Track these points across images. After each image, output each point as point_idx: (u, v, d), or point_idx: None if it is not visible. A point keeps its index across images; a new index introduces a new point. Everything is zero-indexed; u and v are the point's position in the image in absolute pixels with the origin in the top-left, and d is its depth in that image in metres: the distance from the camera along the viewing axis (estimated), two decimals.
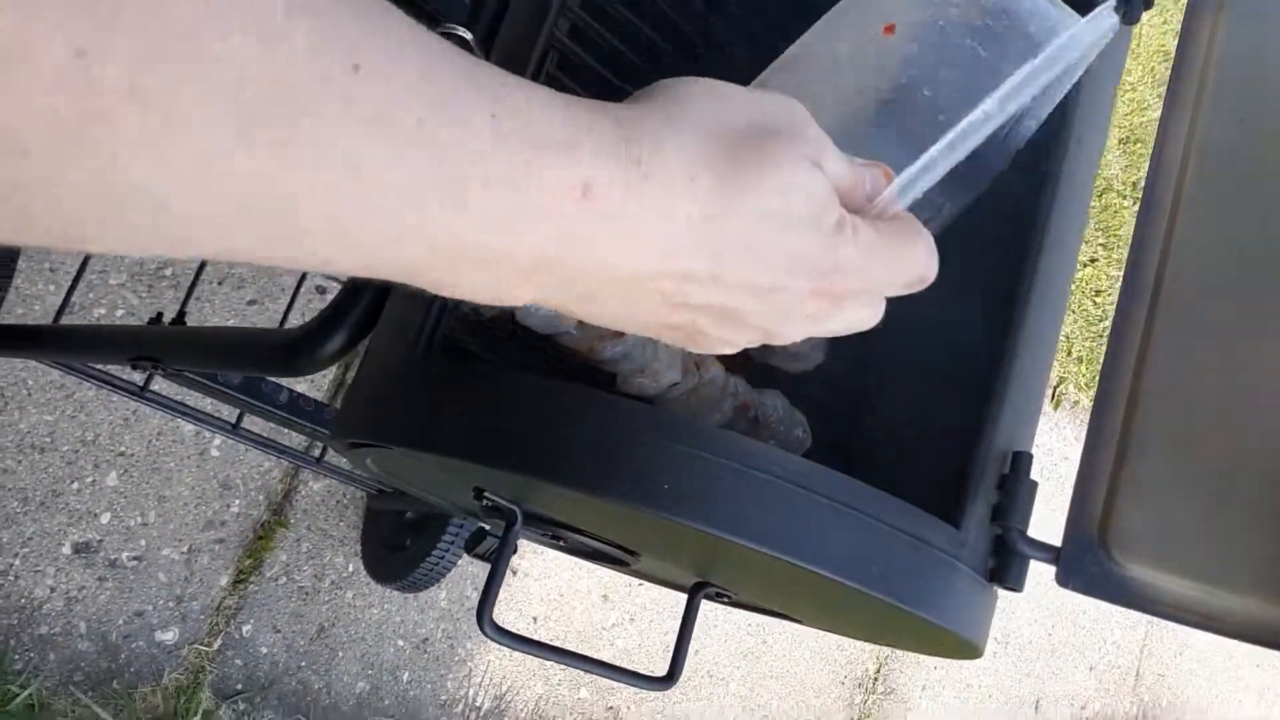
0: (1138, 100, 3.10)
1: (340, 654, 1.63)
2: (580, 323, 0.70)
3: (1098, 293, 2.97)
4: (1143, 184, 2.89)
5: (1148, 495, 0.65)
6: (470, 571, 1.76)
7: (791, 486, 0.57)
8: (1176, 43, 0.72)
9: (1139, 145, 3.07)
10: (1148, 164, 0.70)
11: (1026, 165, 0.71)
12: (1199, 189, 0.68)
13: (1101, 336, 2.97)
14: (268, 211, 0.29)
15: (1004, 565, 0.64)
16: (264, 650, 1.56)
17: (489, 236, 0.33)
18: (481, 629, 0.70)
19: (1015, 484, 0.65)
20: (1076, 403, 2.88)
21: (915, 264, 0.44)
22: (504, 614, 1.81)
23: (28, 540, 1.37)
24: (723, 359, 0.80)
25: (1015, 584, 0.65)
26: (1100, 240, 2.99)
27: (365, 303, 0.75)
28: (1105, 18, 0.49)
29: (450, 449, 0.60)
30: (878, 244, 0.42)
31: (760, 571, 0.69)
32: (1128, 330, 0.68)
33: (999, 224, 0.71)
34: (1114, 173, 3.05)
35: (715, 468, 0.56)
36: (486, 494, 0.69)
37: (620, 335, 0.72)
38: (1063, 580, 0.64)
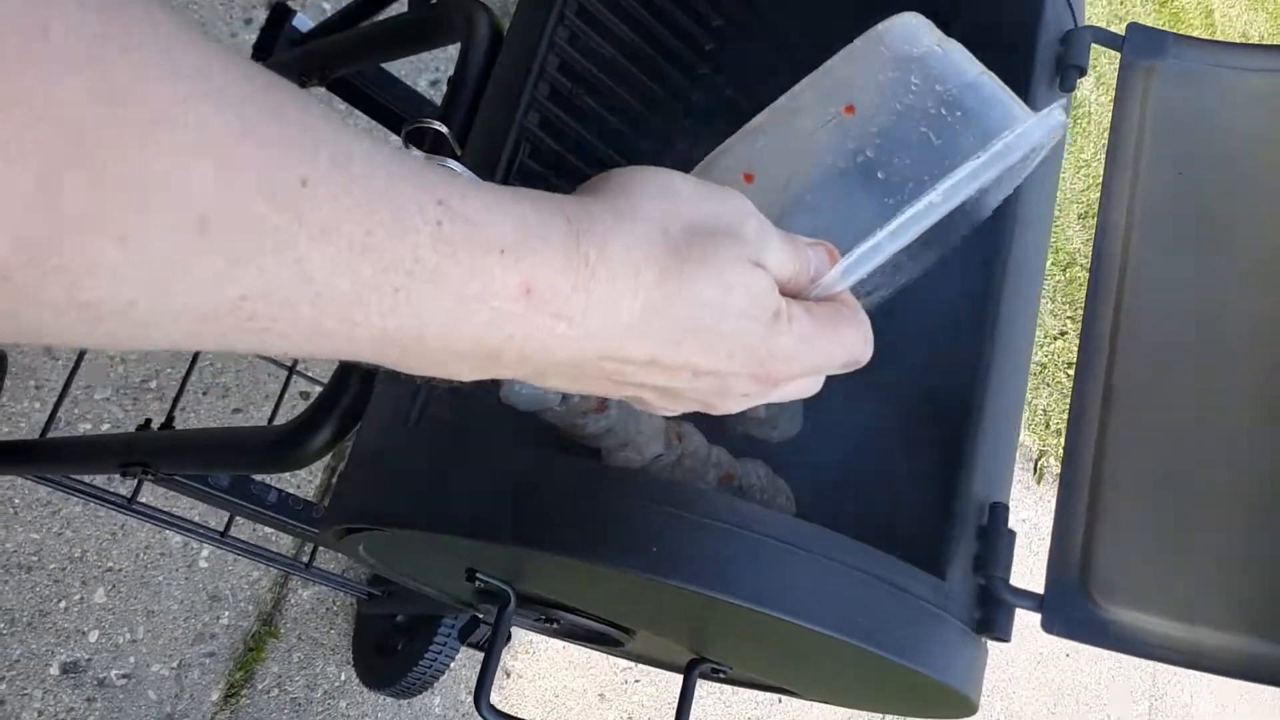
0: (1093, 176, 3.20)
1: None
2: (564, 398, 0.72)
3: (1070, 365, 3.02)
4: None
5: (1124, 538, 0.66)
6: (464, 676, 1.74)
7: (777, 543, 0.58)
8: (1112, 105, 0.76)
9: (1089, 216, 3.16)
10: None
11: (981, 234, 0.74)
12: (1145, 238, 0.72)
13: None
14: (228, 313, 0.31)
15: (990, 615, 0.65)
16: None
17: (433, 330, 0.36)
18: (479, 712, 0.70)
19: (994, 534, 0.66)
20: (1059, 475, 2.89)
21: (850, 350, 0.46)
22: None
23: (14, 663, 1.35)
24: (703, 429, 0.82)
25: (1002, 633, 0.66)
26: (1069, 314, 3.05)
27: (351, 394, 0.77)
28: (1055, 115, 0.52)
29: (441, 526, 0.61)
30: (813, 332, 0.44)
31: (751, 636, 0.70)
32: (1091, 379, 0.70)
33: (957, 291, 0.74)
34: (1076, 246, 3.12)
35: (701, 528, 0.57)
36: (479, 575, 0.70)
37: (604, 409, 0.74)
38: (1048, 626, 0.65)
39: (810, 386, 0.48)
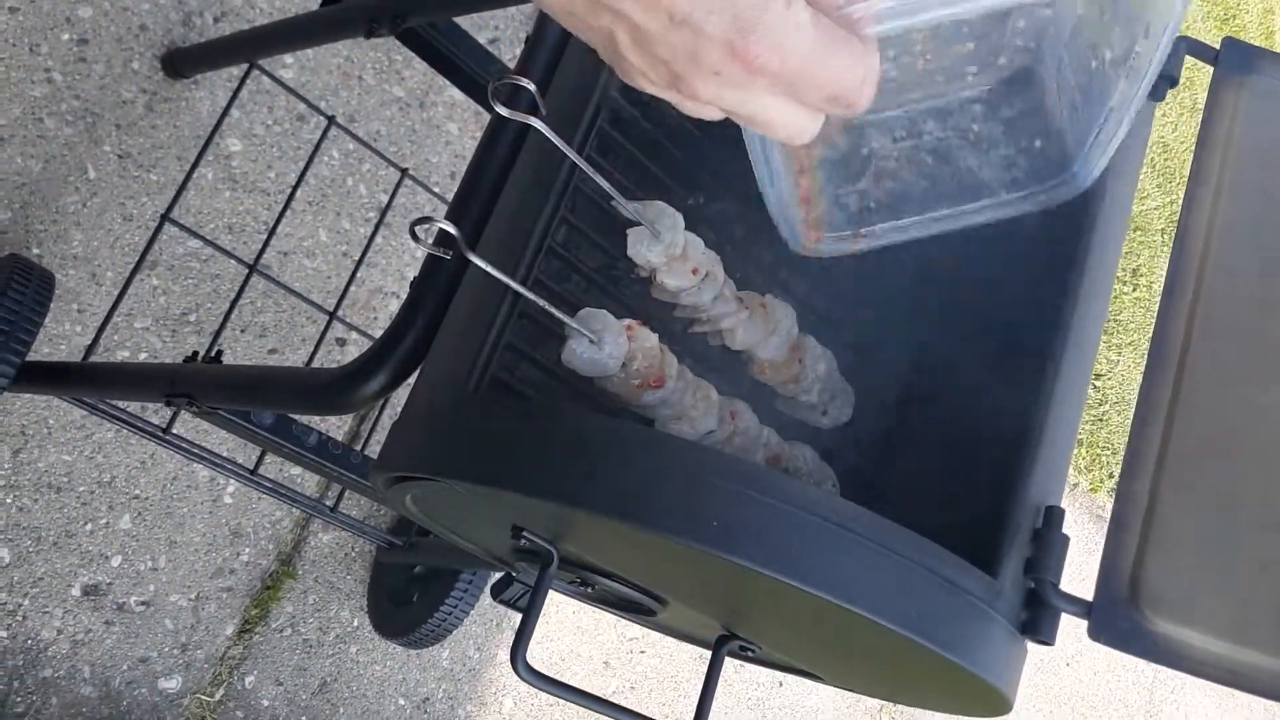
0: (1137, 189, 3.17)
1: (341, 710, 1.61)
2: (623, 367, 0.72)
3: (1097, 376, 3.00)
4: (1142, 268, 2.92)
5: (1177, 553, 0.66)
6: (474, 632, 1.75)
7: (835, 527, 0.58)
8: (1201, 120, 0.76)
9: (1139, 233, 3.13)
10: (1165, 248, 0.73)
11: (1061, 224, 0.74)
12: (1223, 259, 0.71)
13: (1100, 420, 3.00)
14: None
15: (1036, 617, 0.65)
16: (265, 703, 1.54)
17: None
18: (515, 670, 0.70)
19: (1048, 537, 0.66)
20: (1075, 485, 2.89)
21: (843, 74, 0.42)
22: (504, 676, 1.80)
23: (38, 580, 1.36)
24: (754, 409, 0.82)
25: (1047, 636, 0.66)
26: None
27: (409, 344, 0.77)
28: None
29: (499, 481, 0.61)
30: (811, 31, 0.40)
31: (792, 617, 0.70)
32: (1157, 396, 0.70)
33: (1031, 283, 0.73)
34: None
35: (762, 506, 0.57)
36: (525, 533, 0.71)
37: (661, 383, 0.74)
38: (1094, 634, 0.65)
39: (792, 120, 0.44)
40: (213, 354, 0.99)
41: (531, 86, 0.66)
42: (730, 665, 2.09)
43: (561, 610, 1.84)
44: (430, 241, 0.73)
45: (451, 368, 0.68)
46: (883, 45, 0.57)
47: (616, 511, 0.57)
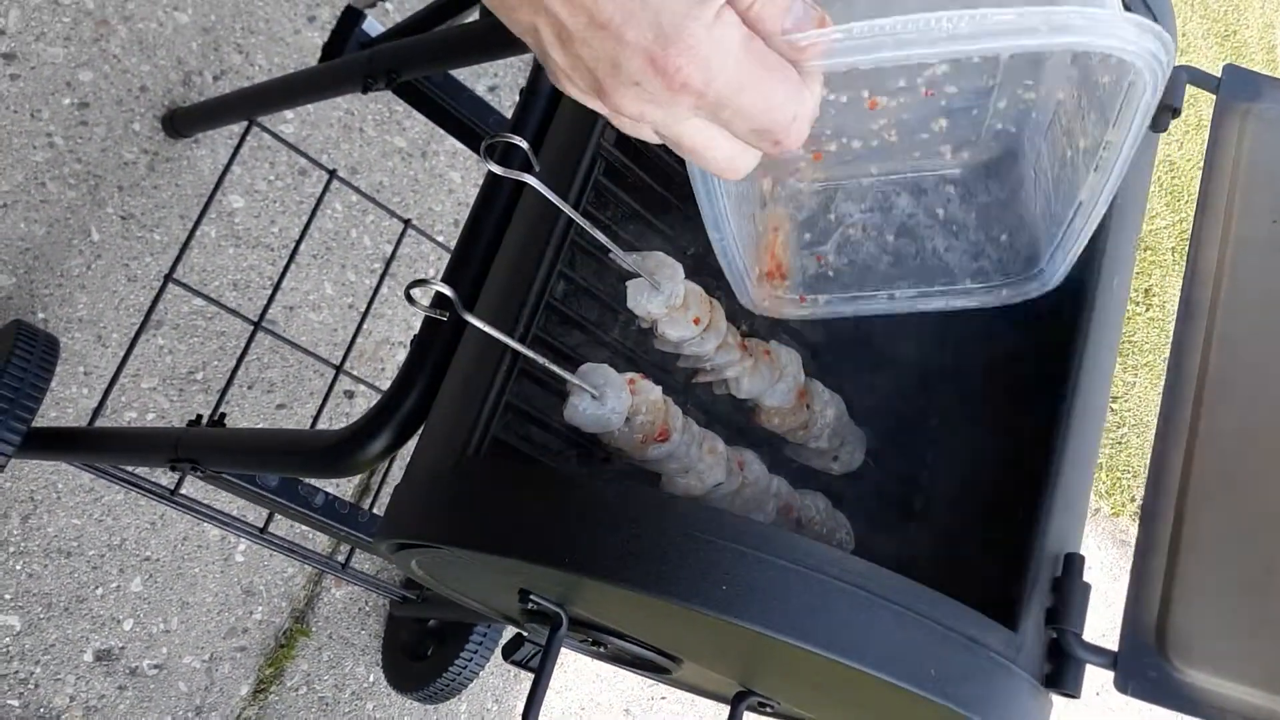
0: (1146, 209, 3.15)
1: None
2: (627, 421, 0.71)
3: (1114, 399, 2.97)
4: (1154, 288, 2.89)
5: (1204, 599, 0.64)
6: (491, 684, 1.73)
7: (849, 587, 0.56)
8: (1206, 148, 0.74)
9: (1149, 252, 3.11)
10: (1181, 269, 0.71)
11: (1064, 291, 0.72)
12: (1236, 288, 0.69)
13: (1119, 443, 2.96)
14: None
15: (1060, 669, 0.63)
16: None
17: None
18: None
19: (1069, 586, 0.64)
20: (1097, 510, 2.85)
21: (772, 107, 0.40)
22: None
23: (49, 647, 1.35)
24: (763, 459, 0.81)
25: (1073, 689, 0.63)
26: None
27: (411, 403, 0.76)
28: (1144, 35, 0.45)
29: (503, 549, 0.60)
30: (740, 54, 0.38)
31: (810, 676, 0.68)
32: (1173, 433, 0.68)
33: (1040, 322, 0.72)
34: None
35: (773, 568, 0.56)
36: (533, 596, 0.69)
37: (666, 436, 0.73)
38: (1121, 686, 0.63)
39: (722, 149, 0.41)
40: (216, 416, 0.98)
41: (524, 144, 0.65)
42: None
43: (580, 658, 1.82)
44: (427, 303, 0.73)
45: (451, 430, 0.67)
46: (854, 105, 0.56)
47: (622, 578, 0.56)
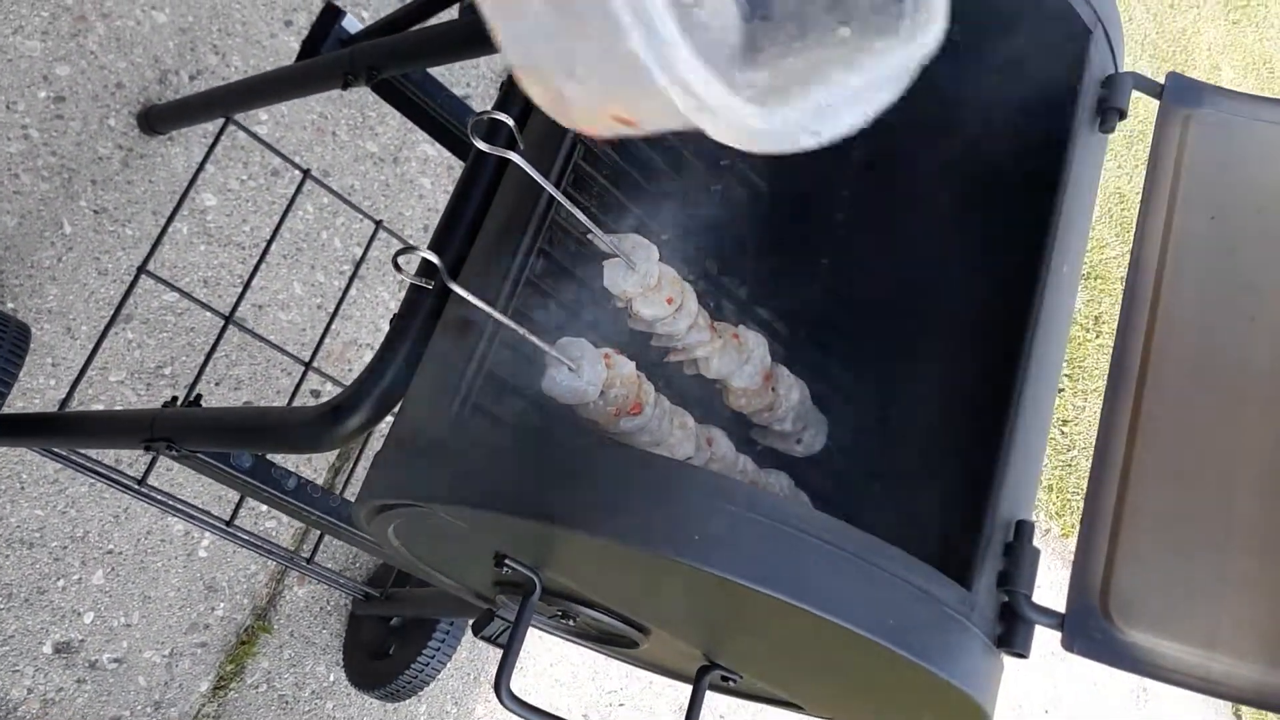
0: (1097, 238, 3.24)
1: None
2: (602, 394, 0.74)
3: (1064, 422, 3.04)
4: (1104, 315, 2.97)
5: (1146, 563, 0.68)
6: (451, 686, 1.74)
7: (814, 540, 0.59)
8: (1150, 149, 0.79)
9: (1099, 281, 3.20)
10: (1116, 286, 0.76)
11: (1019, 261, 0.76)
12: (1177, 279, 0.74)
13: (1069, 465, 3.03)
14: None
15: (1010, 630, 0.67)
16: None
17: None
18: (500, 699, 0.71)
19: (1020, 551, 0.68)
20: (1048, 530, 2.91)
21: None
22: None
23: (8, 638, 1.34)
24: (730, 441, 0.84)
25: (1022, 649, 0.67)
26: (1066, 372, 3.08)
27: (390, 378, 0.78)
28: None
29: (484, 503, 0.62)
30: None
31: (772, 639, 0.71)
32: (1119, 408, 0.72)
33: (995, 302, 0.76)
34: (1076, 306, 3.16)
35: (742, 520, 0.59)
36: (508, 560, 0.71)
37: (638, 409, 0.76)
38: (1068, 644, 0.66)
39: None
40: (192, 398, 0.99)
41: (510, 122, 0.68)
42: (709, 717, 2.07)
43: (539, 662, 1.83)
44: (413, 273, 0.75)
45: (433, 398, 0.70)
46: None
47: (598, 529, 0.59)
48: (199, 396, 1.00)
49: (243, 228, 1.58)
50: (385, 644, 1.57)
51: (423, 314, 0.77)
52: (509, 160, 0.68)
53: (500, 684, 0.71)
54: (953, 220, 0.86)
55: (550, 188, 0.69)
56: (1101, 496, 0.70)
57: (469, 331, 0.70)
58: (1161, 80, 0.82)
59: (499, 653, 0.99)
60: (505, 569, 0.72)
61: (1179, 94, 0.80)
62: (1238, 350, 0.71)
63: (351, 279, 1.50)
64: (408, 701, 1.67)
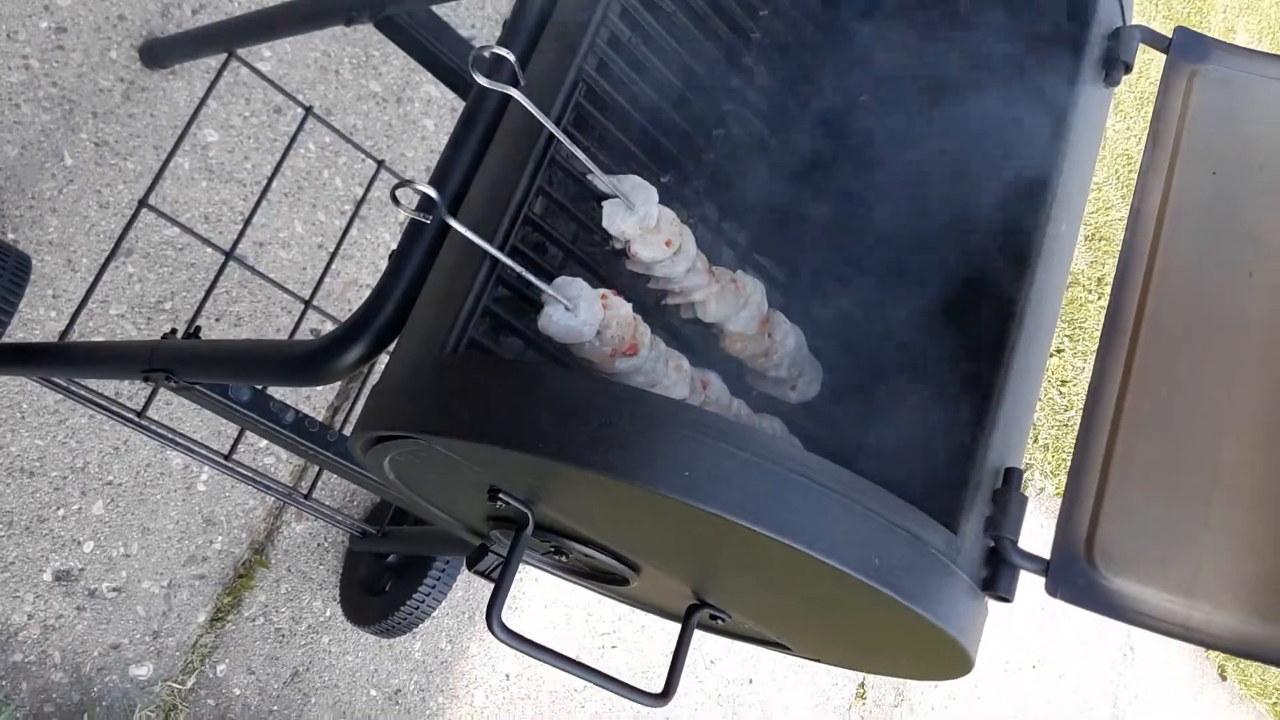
0: (1103, 200, 3.23)
1: (313, 700, 1.61)
2: (598, 334, 0.74)
3: (1063, 382, 3.05)
4: (1107, 277, 2.97)
5: (1132, 512, 0.69)
6: (446, 624, 1.76)
7: (803, 479, 0.60)
8: (1154, 103, 0.79)
9: (1103, 242, 3.19)
10: (1119, 246, 0.76)
11: (1016, 209, 0.76)
12: (1176, 232, 0.74)
13: (1067, 425, 3.04)
14: None
15: (996, 574, 0.68)
16: (237, 692, 1.55)
17: None
18: (491, 629, 0.72)
19: (1008, 497, 0.69)
20: (1042, 489, 2.93)
21: None
22: (478, 670, 1.81)
23: (9, 565, 1.36)
24: (726, 382, 0.84)
25: (1006, 593, 0.68)
26: (1066, 332, 3.08)
27: (389, 312, 0.78)
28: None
29: (479, 435, 0.63)
30: None
31: (761, 576, 0.72)
32: (1111, 361, 0.72)
33: (993, 253, 0.76)
34: (1080, 268, 3.15)
35: (733, 458, 0.59)
36: (502, 494, 0.72)
37: (634, 350, 0.76)
38: (1052, 590, 0.67)
39: None
40: (191, 330, 1.00)
41: (512, 57, 0.68)
42: (701, 662, 2.11)
43: (533, 604, 1.85)
44: (412, 207, 0.75)
45: (430, 332, 0.70)
46: None
47: (590, 463, 0.59)
48: (198, 329, 1.00)
49: (244, 165, 1.58)
50: (381, 581, 1.59)
51: (421, 249, 0.77)
52: (510, 97, 0.68)
53: (492, 616, 0.72)
54: (953, 172, 0.86)
55: (550, 125, 0.69)
56: (1090, 446, 0.71)
57: (466, 267, 0.70)
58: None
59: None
60: (499, 503, 0.73)
61: (1185, 49, 0.80)
62: (1235, 305, 0.71)
63: (352, 218, 1.50)
64: (403, 638, 1.70)
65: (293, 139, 1.37)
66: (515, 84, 0.69)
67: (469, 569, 0.91)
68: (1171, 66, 0.80)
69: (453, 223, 0.66)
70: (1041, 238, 0.75)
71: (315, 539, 1.64)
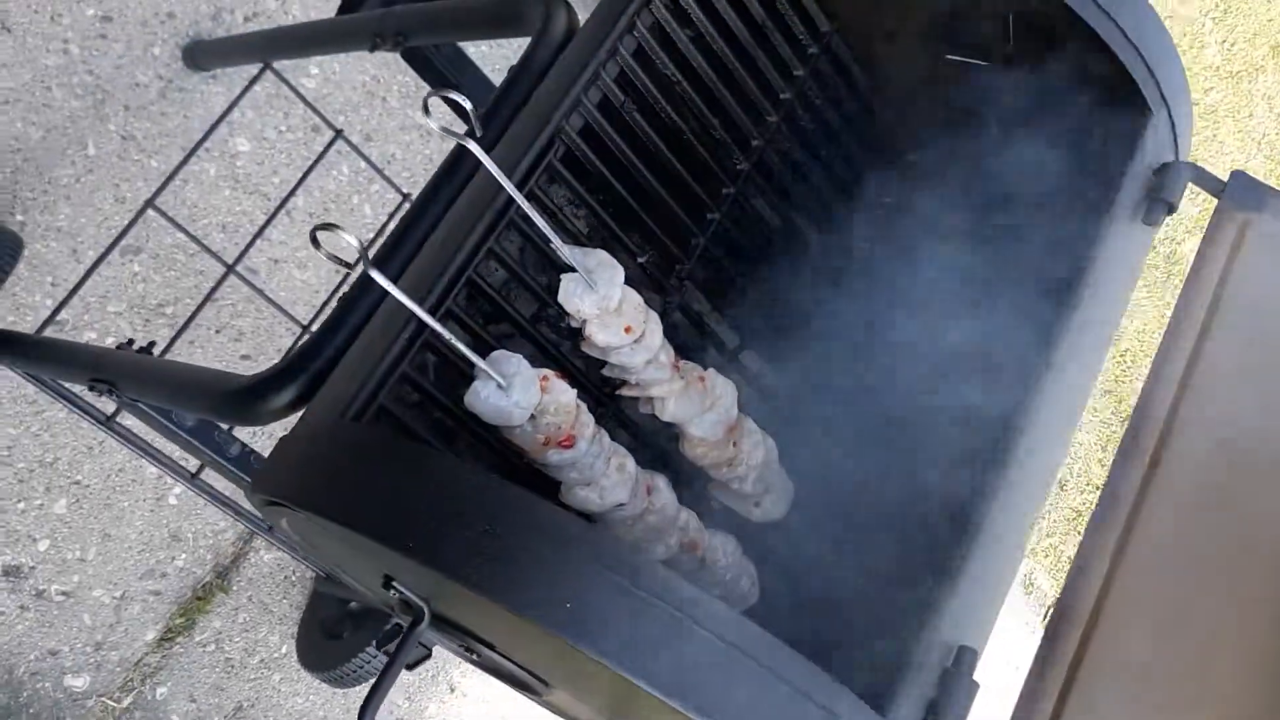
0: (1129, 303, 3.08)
1: None
2: (532, 419, 0.67)
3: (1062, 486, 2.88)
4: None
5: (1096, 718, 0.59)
6: (406, 680, 1.68)
7: (708, 634, 0.52)
8: (1196, 253, 0.70)
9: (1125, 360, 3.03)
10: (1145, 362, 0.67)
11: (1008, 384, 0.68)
12: (1196, 401, 0.65)
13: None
14: None
15: None
16: (175, 719, 1.48)
17: None
18: None
19: (955, 681, 0.59)
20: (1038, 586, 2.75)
21: None
22: None
23: None
24: (681, 493, 0.76)
25: None
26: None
27: (323, 359, 0.72)
28: None
29: (352, 522, 0.55)
30: None
31: None
32: (1103, 539, 0.63)
33: (986, 397, 0.67)
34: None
35: (629, 597, 0.51)
36: (395, 583, 0.65)
37: (571, 443, 0.68)
38: None
39: None
40: (145, 344, 0.95)
41: (467, 104, 0.61)
42: None
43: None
44: (352, 257, 0.69)
45: (340, 392, 0.63)
46: None
47: (463, 575, 0.52)
48: (152, 344, 0.95)
49: (271, 179, 1.54)
50: (340, 626, 1.51)
51: (370, 300, 0.71)
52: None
53: (364, 713, 0.64)
54: (963, 305, 0.78)
55: (504, 180, 0.62)
56: (1061, 637, 0.61)
57: (391, 326, 0.64)
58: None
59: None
60: (394, 592, 0.66)
61: (1240, 195, 0.71)
62: (1245, 505, 0.61)
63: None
64: (357, 688, 1.62)
65: (317, 159, 1.33)
66: (472, 134, 0.62)
67: (377, 649, 0.83)
68: (1221, 213, 0.71)
69: (375, 275, 0.59)
70: (1034, 401, 0.66)
71: (283, 571, 1.57)
